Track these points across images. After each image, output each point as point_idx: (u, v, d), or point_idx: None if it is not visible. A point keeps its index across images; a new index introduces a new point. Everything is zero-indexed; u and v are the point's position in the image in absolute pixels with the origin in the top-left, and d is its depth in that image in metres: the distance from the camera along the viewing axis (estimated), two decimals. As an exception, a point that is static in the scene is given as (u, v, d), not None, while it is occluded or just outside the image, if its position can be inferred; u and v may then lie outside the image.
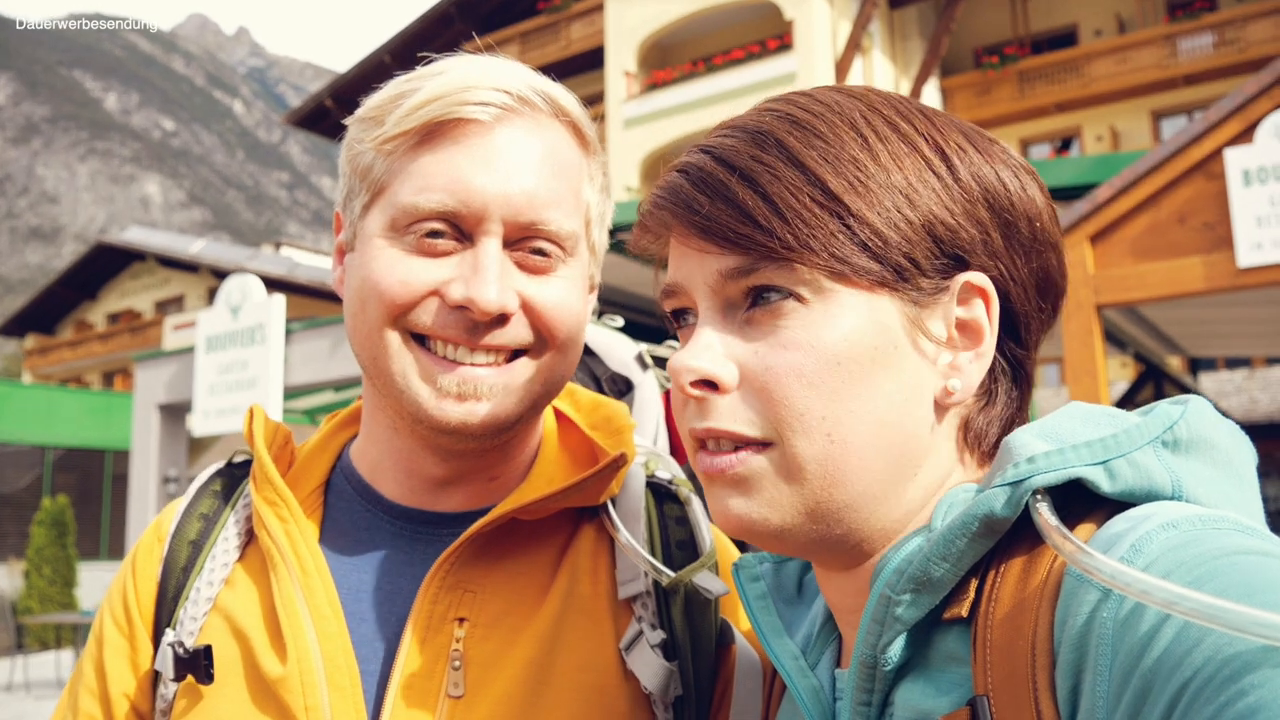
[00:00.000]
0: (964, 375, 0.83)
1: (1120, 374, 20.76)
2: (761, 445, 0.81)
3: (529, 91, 1.08)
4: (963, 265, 0.82)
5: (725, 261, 0.82)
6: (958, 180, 0.82)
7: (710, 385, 0.82)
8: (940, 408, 0.84)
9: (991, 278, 0.83)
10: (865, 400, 0.79)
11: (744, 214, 0.80)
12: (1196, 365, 17.99)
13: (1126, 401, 14.31)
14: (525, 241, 1.07)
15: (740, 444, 0.82)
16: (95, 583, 19.86)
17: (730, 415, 0.81)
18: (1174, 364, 15.05)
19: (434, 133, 1.05)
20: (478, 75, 1.06)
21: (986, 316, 0.83)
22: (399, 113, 1.05)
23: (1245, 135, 6.87)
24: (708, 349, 0.82)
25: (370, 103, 1.11)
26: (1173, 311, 10.15)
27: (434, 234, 1.04)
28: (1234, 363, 21.70)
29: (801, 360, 0.79)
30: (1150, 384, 13.84)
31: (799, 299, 0.80)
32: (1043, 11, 26.92)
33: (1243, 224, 6.76)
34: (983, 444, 0.87)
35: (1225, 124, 6.88)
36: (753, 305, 0.82)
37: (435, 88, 1.05)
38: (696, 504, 1.25)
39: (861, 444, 0.79)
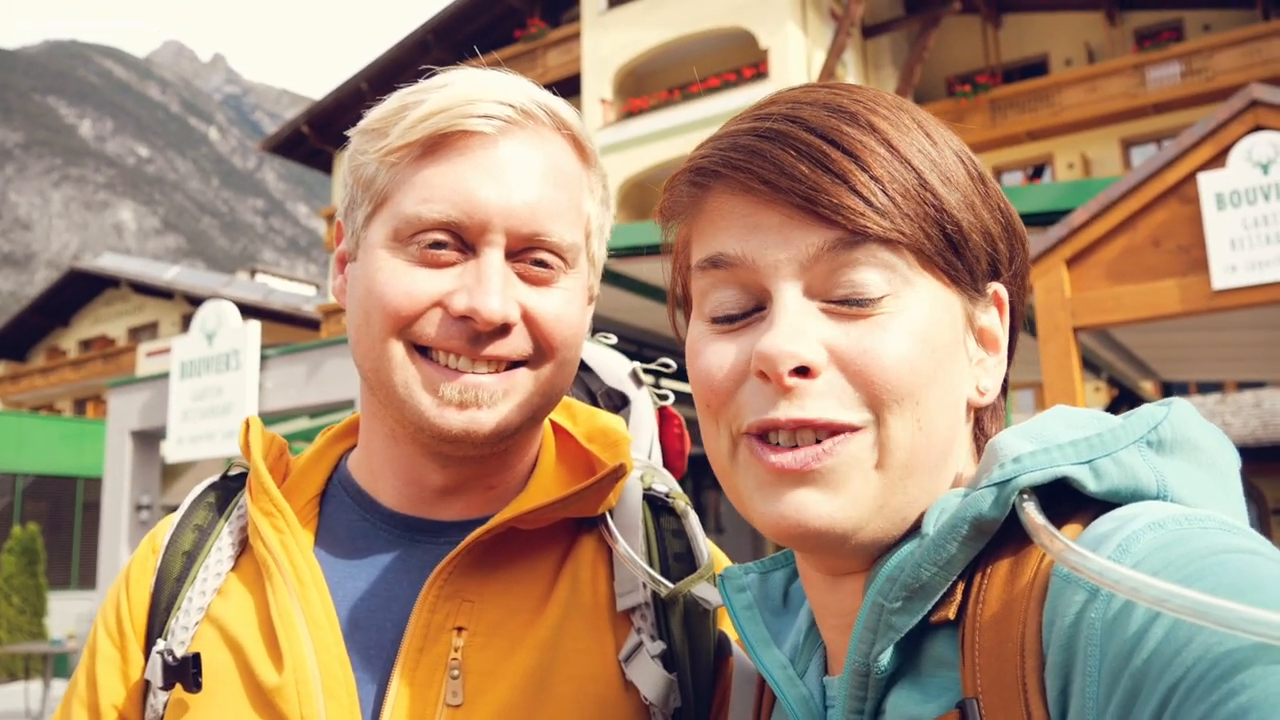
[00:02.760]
0: (992, 377, 0.87)
1: (1094, 399, 20.93)
2: (852, 431, 0.78)
3: (531, 105, 1.10)
4: (996, 275, 0.86)
5: (826, 236, 0.78)
6: (989, 194, 0.85)
7: (804, 371, 0.77)
8: (968, 409, 0.86)
9: (1007, 291, 0.88)
10: (944, 389, 0.80)
11: (853, 189, 0.77)
12: (1169, 389, 18.15)
13: (1102, 425, 14.35)
14: (527, 253, 1.08)
15: (834, 431, 0.78)
16: (65, 611, 19.54)
17: (827, 403, 0.77)
18: (1147, 388, 15.19)
19: (438, 144, 1.06)
20: (482, 88, 1.08)
21: (1001, 325, 0.87)
22: (403, 125, 1.06)
23: (1218, 159, 6.98)
24: (800, 332, 0.77)
25: (373, 114, 1.12)
26: (1146, 335, 10.25)
27: (437, 244, 1.05)
28: (1206, 387, 21.93)
29: (900, 342, 0.77)
30: (1124, 408, 13.94)
31: (886, 291, 0.78)
32: (1014, 41, 27.33)
33: (1217, 247, 6.86)
34: (978, 445, 0.89)
35: (1199, 148, 6.98)
36: (839, 293, 0.79)
37: (440, 100, 1.06)
38: (692, 517, 1.26)
39: (938, 434, 0.80)
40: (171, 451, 13.62)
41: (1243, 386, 20.80)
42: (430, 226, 1.05)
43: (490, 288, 1.04)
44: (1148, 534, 0.65)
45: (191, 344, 13.58)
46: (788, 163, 0.78)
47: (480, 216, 1.04)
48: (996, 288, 0.86)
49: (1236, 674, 0.54)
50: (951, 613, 0.74)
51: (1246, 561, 0.60)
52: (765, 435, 0.80)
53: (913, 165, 0.80)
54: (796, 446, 0.78)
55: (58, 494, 22.30)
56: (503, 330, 1.06)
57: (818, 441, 0.78)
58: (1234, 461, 0.78)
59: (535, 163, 1.08)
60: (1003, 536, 0.74)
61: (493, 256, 1.05)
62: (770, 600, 1.01)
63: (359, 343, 1.10)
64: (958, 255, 0.81)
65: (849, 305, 0.78)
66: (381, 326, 1.06)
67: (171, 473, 18.07)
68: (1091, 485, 0.72)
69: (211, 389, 13.19)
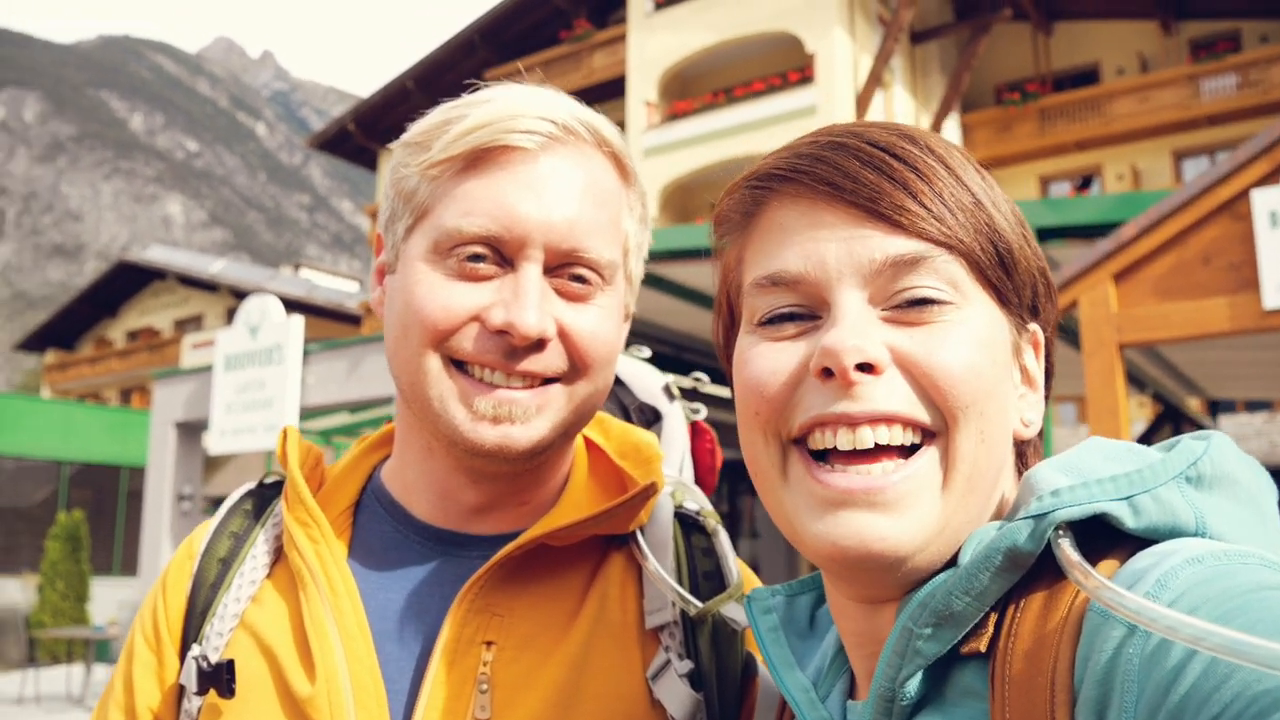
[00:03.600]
0: (1035, 412, 0.87)
1: (1138, 414, 20.62)
2: (923, 438, 0.78)
3: (573, 121, 1.10)
4: (1036, 315, 0.87)
5: (894, 245, 0.79)
6: (1028, 238, 0.86)
7: (868, 369, 0.77)
8: (1013, 441, 0.86)
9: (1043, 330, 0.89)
10: (1001, 405, 0.81)
11: (915, 196, 0.79)
12: (1216, 407, 17.86)
13: (1144, 442, 14.17)
14: (565, 268, 1.08)
15: (909, 428, 0.78)
16: (108, 598, 19.89)
17: (897, 398, 0.77)
18: (1193, 405, 14.95)
19: (480, 159, 1.07)
20: (524, 104, 1.08)
21: (1038, 366, 0.88)
22: (446, 138, 1.07)
23: (1273, 176, 6.84)
24: (865, 331, 0.77)
25: (416, 128, 1.13)
26: (1193, 353, 10.09)
27: (475, 258, 1.06)
28: (1254, 405, 21.54)
29: (966, 349, 0.78)
30: (1168, 425, 13.74)
31: (949, 299, 0.79)
32: (1065, 49, 27.01)
33: (1269, 265, 6.72)
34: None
35: (1253, 164, 6.85)
36: (901, 297, 0.79)
37: (482, 115, 1.06)
38: (723, 535, 1.26)
39: (997, 451, 0.81)
40: (214, 443, 13.81)
41: (1292, 405, 20.38)
42: (470, 240, 1.05)
43: (527, 302, 1.04)
44: (1186, 569, 0.65)
45: (235, 337, 13.75)
46: (852, 168, 0.80)
47: (519, 231, 1.05)
48: (1035, 328, 0.87)
49: (1274, 713, 0.53)
50: (983, 645, 0.73)
51: None
52: (811, 443, 0.80)
53: (968, 186, 0.82)
54: (856, 462, 0.78)
55: (102, 482, 22.71)
56: (538, 345, 1.06)
57: (882, 449, 0.77)
58: (1273, 495, 0.77)
59: (576, 179, 1.08)
60: (1038, 570, 0.73)
61: (531, 271, 1.06)
62: (796, 623, 1.01)
63: (396, 354, 1.11)
64: (1009, 276, 0.82)
65: (911, 310, 0.79)
66: (419, 339, 1.07)
67: (213, 464, 18.35)
68: (1130, 522, 0.71)
69: (254, 382, 13.35)
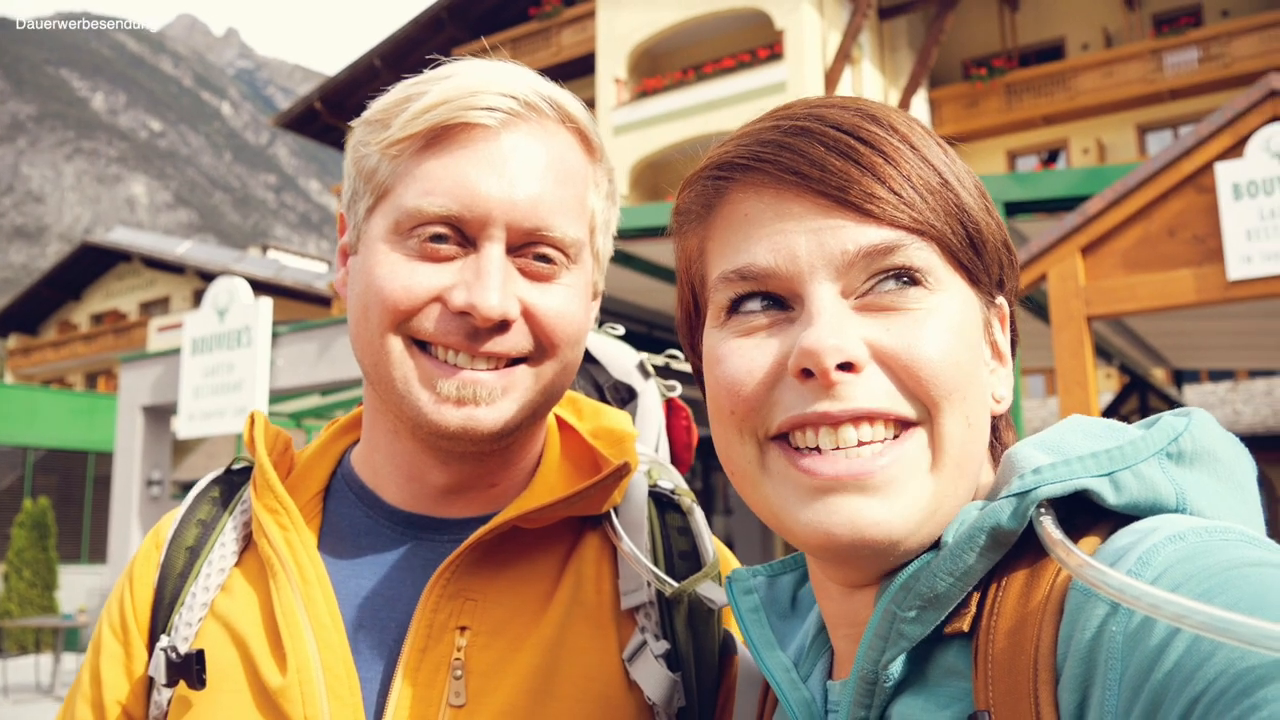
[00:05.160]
0: (1005, 387, 0.87)
1: (1105, 385, 20.87)
2: (908, 427, 0.77)
3: (536, 97, 1.08)
4: (1002, 288, 0.87)
5: (865, 235, 0.77)
6: (990, 209, 0.85)
7: (848, 368, 0.75)
8: (989, 416, 0.85)
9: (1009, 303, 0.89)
10: (980, 387, 0.80)
11: (881, 180, 0.77)
12: (1181, 377, 18.09)
13: (1112, 413, 14.36)
14: (529, 248, 1.06)
15: (891, 423, 0.76)
16: (76, 586, 19.70)
17: (876, 394, 0.76)
18: (1158, 376, 15.13)
19: (440, 137, 1.05)
20: (485, 80, 1.06)
21: (1004, 339, 0.88)
22: (405, 116, 1.05)
23: (1236, 149, 6.92)
24: (842, 328, 0.75)
25: (376, 105, 1.11)
26: (1158, 323, 10.21)
27: (437, 238, 1.04)
28: (1218, 375, 21.83)
29: (944, 338, 0.76)
30: (1135, 395, 13.90)
31: (924, 283, 0.77)
32: (1031, 24, 27.09)
33: (1233, 237, 6.81)
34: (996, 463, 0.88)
35: (1216, 138, 6.93)
36: (876, 287, 0.78)
37: (442, 92, 1.04)
38: (698, 514, 1.25)
39: (982, 433, 0.80)
40: (182, 427, 13.68)
41: (1255, 375, 20.69)
42: (430, 220, 1.03)
43: (489, 283, 1.02)
44: (1168, 546, 0.65)
45: (203, 320, 13.61)
46: (818, 155, 0.78)
47: (481, 210, 1.03)
48: (1001, 301, 0.87)
49: (1258, 690, 0.53)
50: (966, 625, 0.73)
51: (1269, 575, 0.60)
52: (792, 441, 0.78)
53: (934, 166, 0.80)
54: (842, 449, 0.76)
55: (69, 468, 22.44)
56: (502, 326, 1.05)
57: (865, 442, 0.76)
58: (1252, 471, 0.78)
59: (538, 156, 1.06)
60: (1020, 548, 0.74)
61: (493, 251, 1.04)
62: (778, 604, 1.01)
63: (358, 336, 1.09)
64: (979, 255, 0.81)
65: (884, 298, 0.77)
66: (380, 321, 1.05)
67: (182, 448, 18.17)
68: (1111, 498, 0.71)
69: (223, 365, 13.23)
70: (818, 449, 0.77)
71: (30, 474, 21.86)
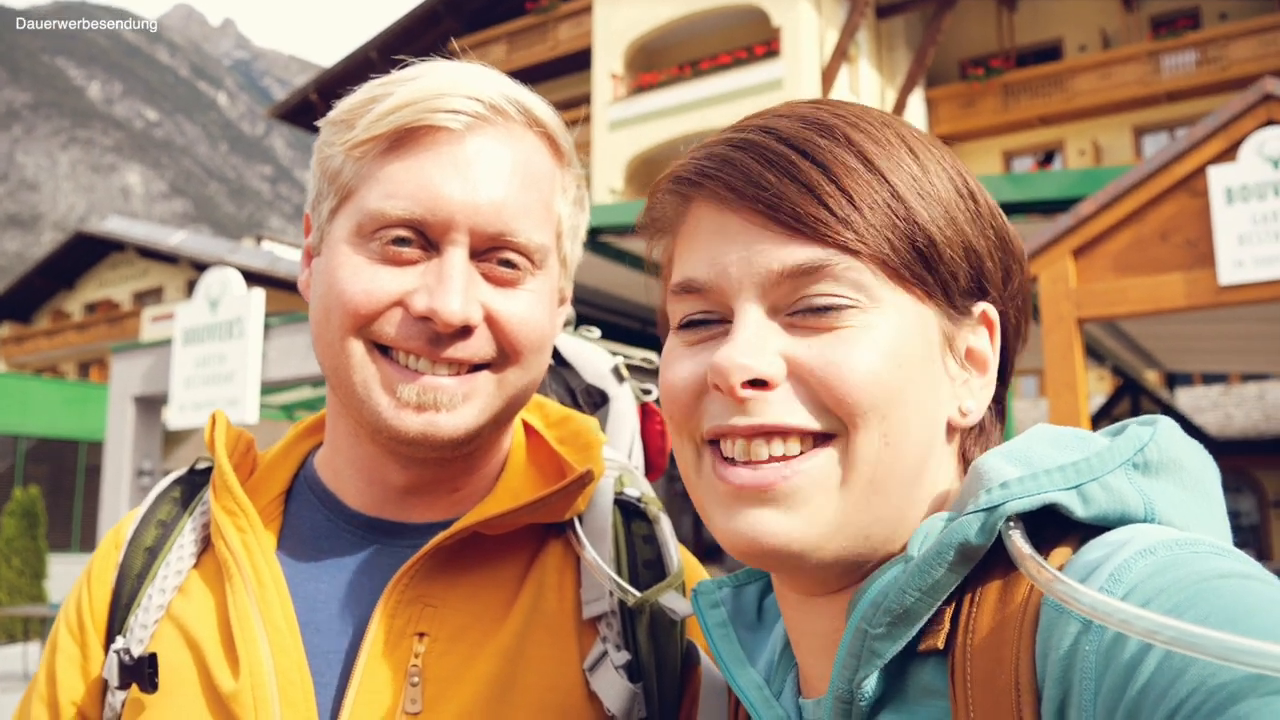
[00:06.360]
0: (977, 399, 0.85)
1: (1097, 387, 20.89)
2: (820, 440, 0.78)
3: (502, 100, 1.07)
4: (984, 295, 0.84)
5: (791, 255, 0.77)
6: (979, 213, 0.84)
7: (760, 384, 0.77)
8: (950, 430, 0.84)
9: (998, 312, 0.86)
10: (913, 406, 0.79)
11: (818, 199, 0.77)
12: (1173, 380, 18.13)
13: (1104, 415, 14.39)
14: (492, 253, 1.05)
15: (804, 437, 0.77)
16: (66, 575, 19.68)
17: (788, 409, 0.77)
18: (1151, 378, 15.16)
19: (404, 139, 1.04)
20: (451, 82, 1.05)
21: (991, 347, 0.85)
22: (369, 117, 1.04)
23: (1229, 153, 6.93)
24: (758, 345, 0.77)
25: (342, 105, 1.10)
26: (1151, 326, 10.22)
27: (400, 241, 1.03)
28: (1210, 378, 21.88)
29: (865, 355, 0.76)
30: (1127, 398, 13.93)
31: (855, 303, 0.77)
32: (1028, 25, 27.09)
33: (1225, 242, 6.81)
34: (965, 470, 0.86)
35: (1209, 142, 6.93)
36: (803, 305, 0.78)
37: (407, 93, 1.03)
38: (665, 523, 1.24)
39: (906, 452, 0.79)
40: (174, 418, 13.66)
41: (1247, 378, 20.75)
42: (393, 223, 1.02)
43: (451, 288, 1.01)
44: (1139, 561, 0.65)
45: (195, 310, 13.58)
46: (754, 171, 0.78)
47: (444, 214, 1.02)
48: (985, 307, 0.84)
49: (1231, 706, 0.53)
50: (940, 641, 0.73)
51: (1239, 587, 0.59)
52: (721, 448, 0.81)
53: (887, 179, 0.79)
54: (752, 463, 0.78)
55: (60, 457, 22.42)
56: (464, 332, 1.04)
57: (776, 459, 0.78)
58: (1217, 479, 0.78)
59: (503, 160, 1.05)
60: (990, 561, 0.73)
61: (455, 256, 1.03)
62: (744, 615, 1.00)
63: (319, 339, 1.08)
64: (929, 270, 0.79)
65: (810, 317, 0.77)
66: (340, 324, 1.04)
67: (173, 439, 18.14)
68: (1079, 511, 0.71)
69: (215, 356, 13.21)
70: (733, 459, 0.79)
71: (21, 463, 21.83)
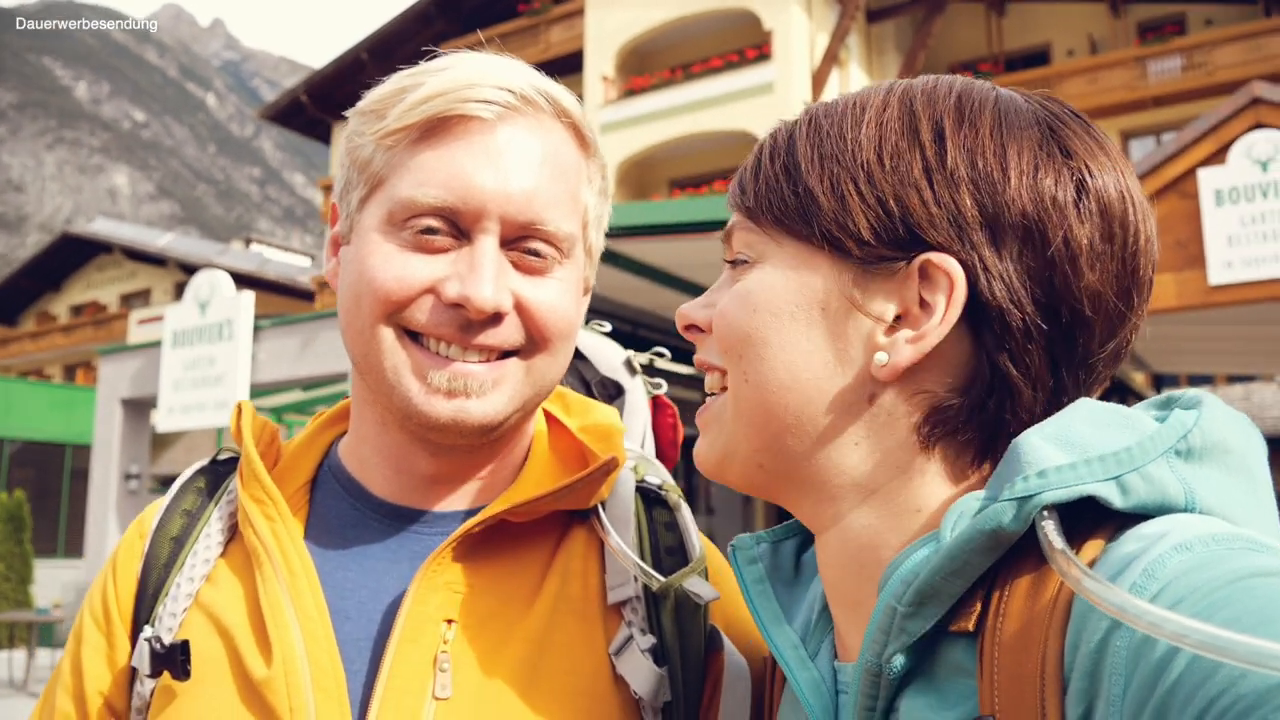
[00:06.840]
0: (894, 352, 0.81)
1: (1086, 390, 20.92)
2: (724, 376, 0.92)
3: (532, 91, 1.08)
4: (923, 245, 0.80)
5: (729, 222, 0.95)
6: (943, 164, 0.81)
7: (697, 329, 0.96)
8: (878, 382, 0.83)
9: (963, 264, 0.79)
10: (775, 349, 0.86)
11: (739, 181, 0.94)
12: (1160, 381, 18.21)
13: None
14: (522, 241, 1.07)
15: (716, 379, 0.93)
16: (52, 580, 19.55)
17: (706, 349, 0.95)
18: (1138, 379, 15.23)
19: (436, 128, 1.05)
20: (482, 73, 1.06)
21: (941, 299, 0.80)
22: (401, 107, 1.05)
23: (1218, 156, 6.99)
24: (705, 299, 0.97)
25: (372, 96, 1.11)
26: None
27: (430, 230, 1.04)
28: (1197, 380, 22.01)
29: (730, 305, 0.90)
30: (1114, 399, 13.98)
31: (753, 258, 0.90)
32: (1017, 30, 27.23)
33: (1214, 243, 6.88)
34: (958, 439, 0.83)
35: (1199, 144, 6.99)
36: (734, 259, 0.93)
37: (439, 84, 1.04)
38: (685, 509, 1.25)
39: (776, 388, 0.86)
40: (162, 421, 13.60)
41: (1233, 380, 20.88)
42: (424, 211, 1.03)
43: (483, 276, 1.02)
44: (1174, 557, 0.64)
45: (184, 313, 13.54)
46: (748, 165, 0.98)
47: (475, 203, 1.03)
48: (930, 257, 0.80)
49: (1260, 708, 0.53)
50: (970, 624, 0.73)
51: (1272, 587, 0.59)
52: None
53: (792, 151, 0.89)
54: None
55: (46, 461, 22.27)
56: (494, 319, 1.05)
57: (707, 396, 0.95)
58: (1263, 456, 0.76)
59: (533, 150, 1.07)
60: (1023, 546, 0.72)
61: (487, 244, 1.04)
62: (782, 571, 1.01)
63: (349, 326, 1.09)
64: (806, 223, 0.85)
65: (731, 270, 0.94)
66: (371, 311, 1.05)
67: (161, 442, 18.06)
68: (1118, 502, 0.70)
69: (204, 359, 13.16)
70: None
71: (6, 466, 21.68)
